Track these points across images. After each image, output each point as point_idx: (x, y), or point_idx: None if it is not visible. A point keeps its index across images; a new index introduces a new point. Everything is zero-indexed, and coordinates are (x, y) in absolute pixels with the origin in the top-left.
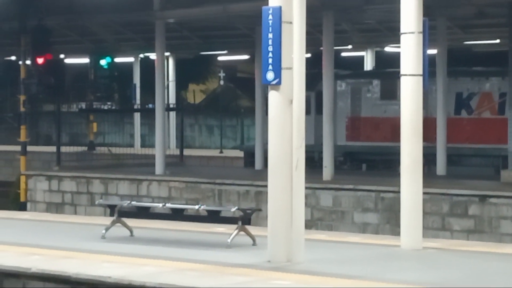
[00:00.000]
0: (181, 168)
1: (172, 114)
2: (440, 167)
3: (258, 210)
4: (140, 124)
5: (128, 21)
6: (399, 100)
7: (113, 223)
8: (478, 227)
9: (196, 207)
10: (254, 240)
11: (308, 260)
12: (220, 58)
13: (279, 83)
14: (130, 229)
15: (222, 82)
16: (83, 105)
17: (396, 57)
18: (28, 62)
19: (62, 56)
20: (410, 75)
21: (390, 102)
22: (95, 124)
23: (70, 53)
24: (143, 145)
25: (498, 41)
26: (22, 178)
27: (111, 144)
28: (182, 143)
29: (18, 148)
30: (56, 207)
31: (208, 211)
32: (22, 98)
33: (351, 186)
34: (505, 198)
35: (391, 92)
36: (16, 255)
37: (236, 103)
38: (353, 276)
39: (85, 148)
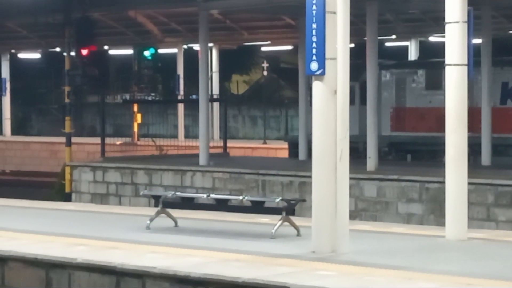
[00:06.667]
0: (225, 159)
1: (216, 105)
2: (485, 157)
3: (302, 200)
4: (183, 115)
5: (172, 12)
6: (444, 90)
7: (158, 213)
8: None
9: (240, 197)
10: (298, 231)
11: (353, 251)
12: (263, 49)
13: (323, 73)
14: (174, 220)
15: (265, 73)
16: (127, 96)
17: (441, 47)
18: (72, 53)
19: (106, 47)
20: (454, 64)
21: (435, 92)
22: (139, 115)
23: (114, 45)
24: (187, 136)
25: None
26: (67, 169)
27: (155, 135)
28: (225, 134)
29: (62, 139)
30: (100, 198)
31: (252, 201)
32: (66, 89)
33: (395, 177)
34: None
35: (436, 82)
36: (62, 245)
37: (280, 93)
38: (398, 267)
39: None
